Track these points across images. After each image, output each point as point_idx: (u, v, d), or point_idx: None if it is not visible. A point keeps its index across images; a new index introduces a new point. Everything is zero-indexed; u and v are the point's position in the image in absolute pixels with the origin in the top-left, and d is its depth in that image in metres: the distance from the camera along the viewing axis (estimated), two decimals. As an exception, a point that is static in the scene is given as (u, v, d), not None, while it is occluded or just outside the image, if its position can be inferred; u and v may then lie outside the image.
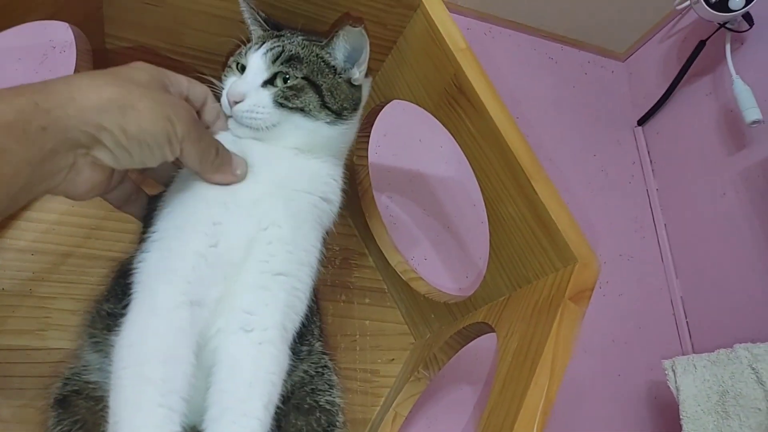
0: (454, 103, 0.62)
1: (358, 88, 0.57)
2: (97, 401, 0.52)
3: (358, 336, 0.78)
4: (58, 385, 0.55)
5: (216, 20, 0.61)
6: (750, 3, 0.91)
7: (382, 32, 0.65)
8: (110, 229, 0.68)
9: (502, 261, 0.62)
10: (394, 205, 0.91)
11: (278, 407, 0.48)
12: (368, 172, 0.80)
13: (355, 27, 0.54)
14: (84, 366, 0.55)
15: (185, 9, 0.59)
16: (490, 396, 0.52)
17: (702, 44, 1.05)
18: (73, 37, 0.61)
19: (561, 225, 0.54)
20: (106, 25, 0.59)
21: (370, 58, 0.57)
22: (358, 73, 0.56)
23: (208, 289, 0.47)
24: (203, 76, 0.54)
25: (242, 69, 0.54)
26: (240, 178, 0.51)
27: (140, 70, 0.46)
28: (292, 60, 0.53)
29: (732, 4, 0.92)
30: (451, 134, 0.64)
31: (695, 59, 1.06)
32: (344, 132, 0.56)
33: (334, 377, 0.62)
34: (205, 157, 0.47)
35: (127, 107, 0.41)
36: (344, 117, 0.55)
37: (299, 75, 0.53)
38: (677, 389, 0.83)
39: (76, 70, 0.64)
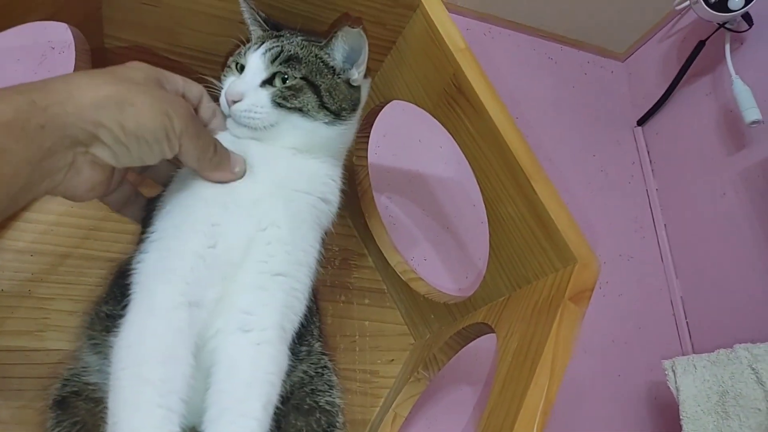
0: (453, 104, 0.61)
1: (357, 88, 0.57)
2: (97, 402, 0.52)
3: (357, 337, 0.78)
4: (57, 386, 0.55)
5: (215, 20, 0.61)
6: (749, 3, 0.91)
7: (381, 32, 0.65)
8: (109, 230, 0.68)
9: (502, 261, 0.62)
10: (394, 206, 0.91)
11: (278, 408, 0.48)
12: (368, 173, 0.80)
13: (353, 28, 0.54)
14: (83, 367, 0.55)
15: (184, 9, 0.59)
16: (490, 396, 0.52)
17: (701, 44, 1.05)
18: (72, 37, 0.61)
19: (561, 225, 0.54)
20: (105, 25, 0.59)
21: (369, 59, 0.57)
22: (356, 74, 0.56)
23: (207, 289, 0.47)
24: (204, 76, 0.54)
25: (241, 69, 0.54)
26: (238, 176, 0.51)
27: (136, 69, 0.46)
28: (290, 60, 0.53)
29: (731, 4, 0.92)
30: (451, 134, 0.64)
31: (695, 59, 1.06)
32: (343, 132, 0.56)
33: (334, 378, 0.62)
34: (203, 154, 0.47)
35: (124, 104, 0.41)
36: (343, 117, 0.55)
37: (298, 75, 0.53)
38: (677, 389, 0.83)
39: (75, 71, 0.64)
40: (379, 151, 0.92)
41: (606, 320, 1.00)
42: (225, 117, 0.54)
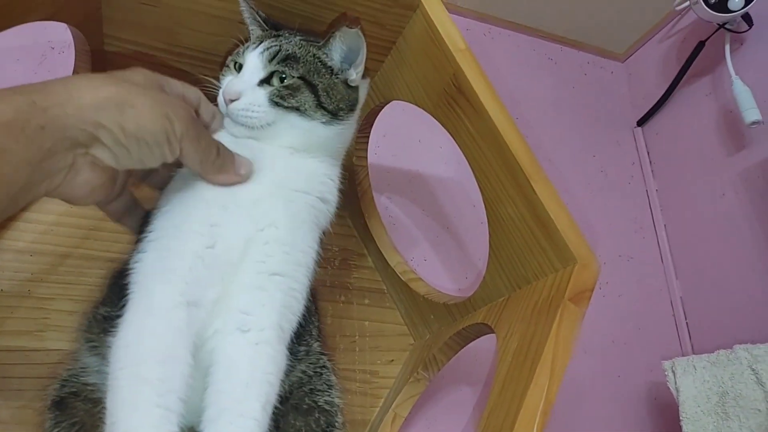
0: (453, 104, 0.61)
1: (355, 89, 0.57)
2: (96, 403, 0.52)
3: (357, 337, 0.78)
4: (55, 386, 0.55)
5: (215, 20, 0.61)
6: (749, 3, 0.91)
7: (381, 33, 0.65)
8: (108, 230, 0.68)
9: (502, 262, 0.62)
10: (394, 206, 0.91)
11: (276, 407, 0.48)
12: (368, 173, 0.80)
13: (351, 28, 0.53)
14: (82, 368, 0.55)
15: (184, 9, 0.59)
16: (490, 396, 0.52)
17: (701, 45, 1.05)
18: (71, 37, 0.61)
19: (560, 225, 0.54)
20: (104, 25, 0.59)
21: (368, 59, 0.57)
22: (354, 74, 0.56)
23: (206, 289, 0.47)
24: (204, 77, 0.54)
25: (239, 68, 0.54)
26: (245, 179, 0.50)
27: (136, 72, 0.46)
28: (288, 59, 0.53)
29: (731, 5, 0.92)
30: (451, 135, 0.64)
31: (695, 60, 1.06)
32: (340, 132, 0.56)
33: (333, 378, 0.62)
34: (205, 157, 0.47)
35: (125, 105, 0.41)
36: (340, 117, 0.55)
37: (295, 74, 0.53)
38: (677, 390, 0.83)
39: (75, 71, 0.64)
40: (379, 151, 0.92)
41: (606, 320, 1.00)
42: (223, 117, 0.54)
